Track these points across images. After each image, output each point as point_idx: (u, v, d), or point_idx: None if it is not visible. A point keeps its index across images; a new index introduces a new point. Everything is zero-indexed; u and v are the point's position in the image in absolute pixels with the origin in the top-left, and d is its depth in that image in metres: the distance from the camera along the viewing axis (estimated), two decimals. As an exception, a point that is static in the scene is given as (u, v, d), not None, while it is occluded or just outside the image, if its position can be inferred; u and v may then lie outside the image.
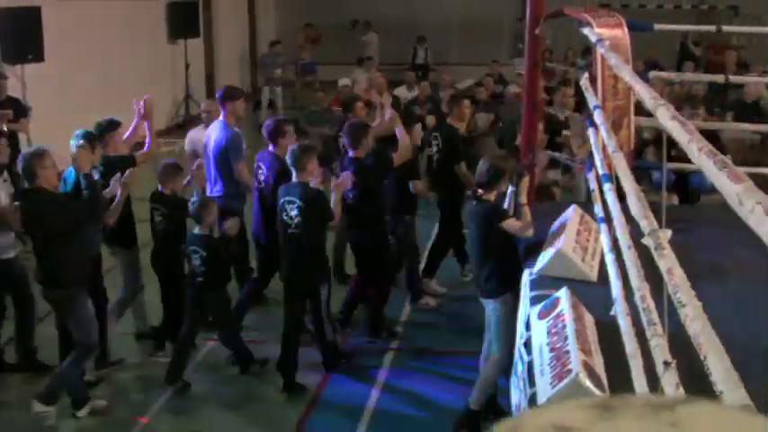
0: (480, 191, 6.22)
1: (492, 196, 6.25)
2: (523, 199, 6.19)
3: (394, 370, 7.58)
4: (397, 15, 22.13)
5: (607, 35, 5.83)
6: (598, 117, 5.03)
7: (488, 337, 6.43)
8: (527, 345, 4.77)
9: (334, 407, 7.02)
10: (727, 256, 5.86)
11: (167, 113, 16.99)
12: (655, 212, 3.02)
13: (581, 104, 7.85)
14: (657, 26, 7.07)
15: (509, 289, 6.10)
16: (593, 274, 5.60)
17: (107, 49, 14.80)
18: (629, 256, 3.34)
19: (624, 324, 3.43)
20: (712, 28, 8.39)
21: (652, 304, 2.93)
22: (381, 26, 21.14)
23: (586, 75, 6.44)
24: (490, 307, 6.24)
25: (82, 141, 6.77)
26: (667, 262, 2.54)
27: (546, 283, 5.44)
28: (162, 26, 17.53)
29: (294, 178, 7.13)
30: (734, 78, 9.29)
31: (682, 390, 2.50)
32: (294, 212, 7.03)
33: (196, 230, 7.17)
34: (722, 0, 21.60)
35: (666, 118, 2.63)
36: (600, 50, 5.46)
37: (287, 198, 7.09)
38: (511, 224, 6.08)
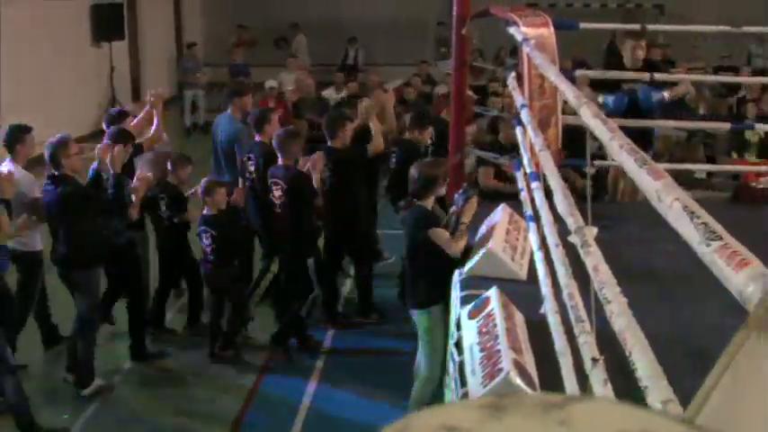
0: (415, 200, 6.08)
1: (428, 203, 6.10)
2: (466, 219, 5.91)
3: (330, 368, 7.54)
4: (327, 16, 22.04)
5: (533, 34, 5.87)
6: (525, 116, 5.06)
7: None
8: (458, 345, 4.77)
9: (271, 403, 6.98)
10: (653, 251, 5.92)
11: (92, 117, 16.63)
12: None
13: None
14: (583, 25, 7.14)
15: (437, 301, 5.90)
16: (523, 273, 5.61)
17: (30, 51, 14.46)
18: (557, 255, 3.35)
19: (553, 322, 3.44)
20: (637, 26, 8.48)
21: (580, 302, 2.94)
22: (311, 27, 21.03)
23: (513, 74, 6.47)
24: (416, 318, 6.04)
25: (114, 142, 7.22)
26: (593, 259, 2.56)
27: (476, 282, 5.43)
28: (85, 28, 17.16)
29: (279, 161, 7.57)
30: (659, 76, 9.42)
31: (609, 385, 2.51)
32: (278, 193, 7.49)
33: (206, 211, 7.53)
34: (648, -1, 21.96)
35: (589, 116, 2.64)
36: (525, 50, 5.50)
37: (273, 180, 7.57)
38: (439, 234, 5.86)
